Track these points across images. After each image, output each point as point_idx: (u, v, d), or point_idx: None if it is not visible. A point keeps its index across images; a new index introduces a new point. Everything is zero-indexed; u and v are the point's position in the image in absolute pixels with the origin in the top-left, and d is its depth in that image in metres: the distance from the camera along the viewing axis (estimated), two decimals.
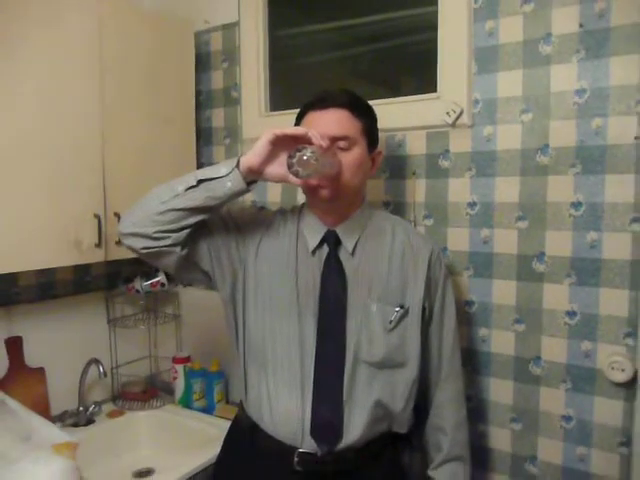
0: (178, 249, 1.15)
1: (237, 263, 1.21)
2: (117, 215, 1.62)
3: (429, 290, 1.21)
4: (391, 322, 1.16)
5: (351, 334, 1.15)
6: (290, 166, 1.04)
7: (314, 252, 1.19)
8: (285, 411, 1.16)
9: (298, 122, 1.19)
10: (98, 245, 1.58)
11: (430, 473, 1.27)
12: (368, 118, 1.18)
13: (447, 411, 1.26)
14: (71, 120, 1.50)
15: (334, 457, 1.14)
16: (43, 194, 1.45)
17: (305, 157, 1.02)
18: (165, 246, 1.13)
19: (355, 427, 1.14)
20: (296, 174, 1.04)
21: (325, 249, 1.19)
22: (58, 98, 1.46)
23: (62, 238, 1.50)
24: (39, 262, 1.49)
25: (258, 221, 1.25)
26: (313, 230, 1.21)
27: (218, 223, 1.21)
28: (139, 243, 1.14)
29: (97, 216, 1.57)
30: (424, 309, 1.20)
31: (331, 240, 1.19)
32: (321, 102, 1.14)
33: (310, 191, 1.16)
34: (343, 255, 1.19)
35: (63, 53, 1.47)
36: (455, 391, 1.28)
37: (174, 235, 1.12)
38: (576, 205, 1.33)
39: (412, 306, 1.18)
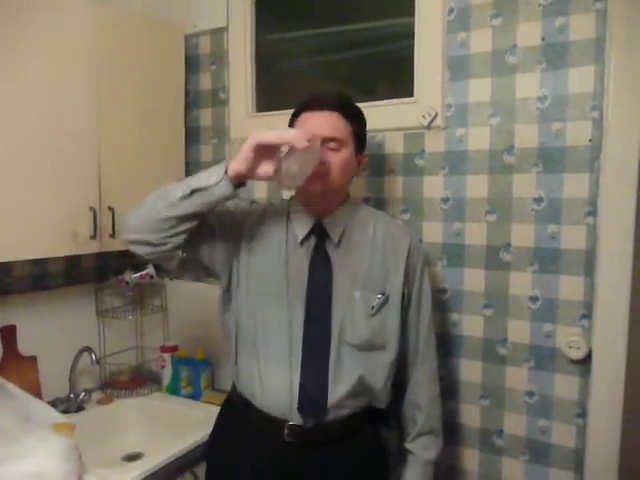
0: (179, 252, 1.24)
1: (232, 255, 1.31)
2: (111, 209, 1.70)
3: (408, 278, 1.31)
4: (373, 308, 1.27)
5: (336, 319, 1.26)
6: (278, 182, 1.16)
7: (302, 243, 1.29)
8: (275, 389, 1.27)
9: (293, 120, 1.29)
10: (93, 237, 1.66)
11: (406, 445, 1.38)
12: (358, 122, 1.29)
13: (422, 389, 1.38)
14: (68, 117, 1.58)
15: (320, 429, 1.26)
16: (42, 188, 1.53)
17: (289, 171, 1.11)
18: (166, 251, 1.23)
19: (339, 401, 1.25)
20: (287, 187, 1.18)
21: (313, 240, 1.29)
22: (56, 96, 1.54)
23: (60, 230, 1.58)
24: (38, 252, 1.57)
25: (249, 214, 1.35)
26: (301, 223, 1.30)
27: (213, 222, 1.29)
28: (142, 249, 1.24)
29: (92, 209, 1.65)
30: (403, 296, 1.31)
31: (318, 232, 1.29)
32: (315, 103, 1.24)
33: (306, 186, 1.25)
34: (329, 246, 1.29)
35: (60, 54, 1.55)
36: (430, 371, 1.39)
37: (173, 240, 1.21)
38: (538, 200, 1.47)
39: (392, 293, 1.29)
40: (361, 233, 1.31)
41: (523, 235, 1.49)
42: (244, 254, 1.31)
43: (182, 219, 1.19)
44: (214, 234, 1.29)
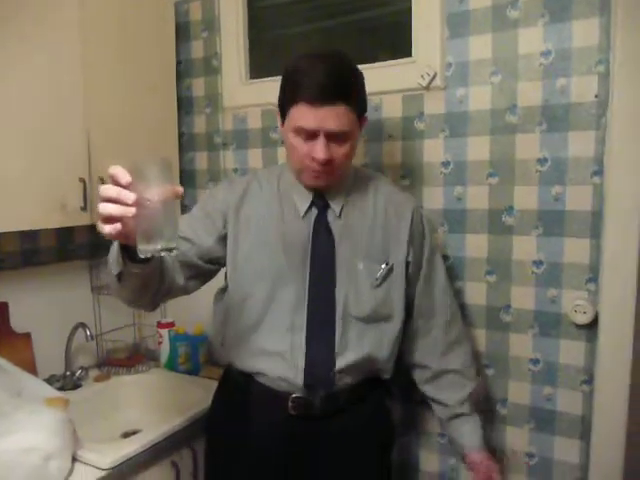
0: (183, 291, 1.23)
1: (224, 247, 1.26)
2: (102, 180, 1.65)
3: (412, 245, 1.27)
4: (377, 279, 1.23)
5: (340, 291, 1.21)
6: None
7: (304, 215, 1.24)
8: (279, 363, 1.22)
9: (286, 109, 1.14)
10: (84, 208, 1.61)
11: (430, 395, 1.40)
12: (361, 98, 1.17)
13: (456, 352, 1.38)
14: (55, 86, 1.52)
15: (325, 400, 1.22)
16: (25, 156, 1.47)
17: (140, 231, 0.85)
18: (174, 294, 1.21)
19: (344, 371, 1.22)
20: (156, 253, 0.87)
21: (314, 212, 1.24)
22: (42, 64, 1.48)
23: (48, 200, 1.53)
24: (25, 223, 1.51)
25: (231, 196, 1.27)
26: (301, 195, 1.24)
27: (195, 240, 1.22)
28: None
29: (82, 180, 1.60)
30: (408, 264, 1.27)
31: (320, 204, 1.24)
32: (316, 95, 1.07)
33: (303, 178, 1.20)
34: (330, 217, 1.24)
35: (46, 22, 1.49)
36: (460, 332, 1.40)
37: (172, 294, 1.20)
38: (542, 161, 1.41)
39: (396, 263, 1.25)
40: (362, 202, 1.27)
41: (526, 198, 1.44)
42: (236, 241, 1.25)
43: (144, 288, 1.06)
44: (206, 247, 1.23)
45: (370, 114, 1.60)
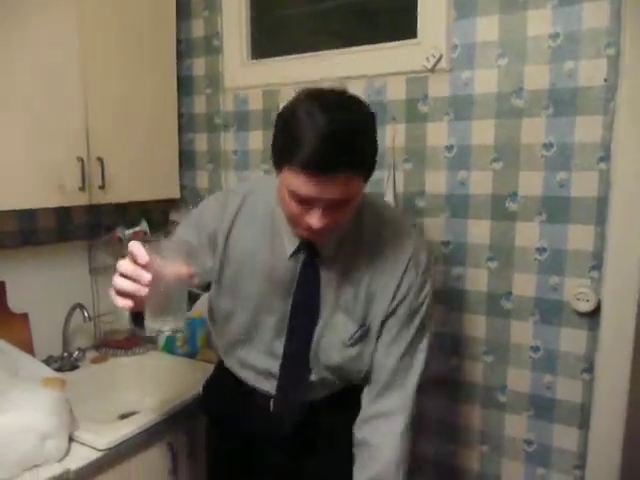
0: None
1: (212, 269, 1.17)
2: (100, 160, 1.63)
3: (394, 299, 1.10)
4: (351, 339, 1.11)
5: (316, 336, 1.13)
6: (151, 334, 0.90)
7: (290, 257, 1.10)
8: (257, 380, 1.21)
9: (278, 163, 0.93)
10: (82, 188, 1.59)
11: None
12: (372, 159, 0.94)
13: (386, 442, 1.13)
14: (52, 64, 1.50)
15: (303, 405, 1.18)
16: (23, 135, 1.45)
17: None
18: None
19: (316, 400, 1.19)
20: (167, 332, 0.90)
21: (302, 255, 1.09)
22: (39, 43, 1.46)
23: (46, 180, 1.51)
24: (22, 202, 1.50)
25: (220, 223, 1.13)
26: (290, 236, 1.09)
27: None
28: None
29: (80, 159, 1.58)
30: (384, 320, 1.12)
31: (308, 249, 1.09)
32: (313, 166, 0.86)
33: (296, 231, 1.03)
34: (320, 259, 1.10)
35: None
36: (401, 423, 1.12)
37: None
38: (548, 146, 1.39)
39: (373, 322, 1.11)
40: (357, 248, 1.10)
41: (531, 183, 1.42)
42: (222, 266, 1.15)
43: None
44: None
45: (373, 96, 1.58)
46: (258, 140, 1.83)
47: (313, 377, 1.15)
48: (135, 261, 0.84)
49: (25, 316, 1.77)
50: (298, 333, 1.13)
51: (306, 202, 0.91)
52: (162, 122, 1.87)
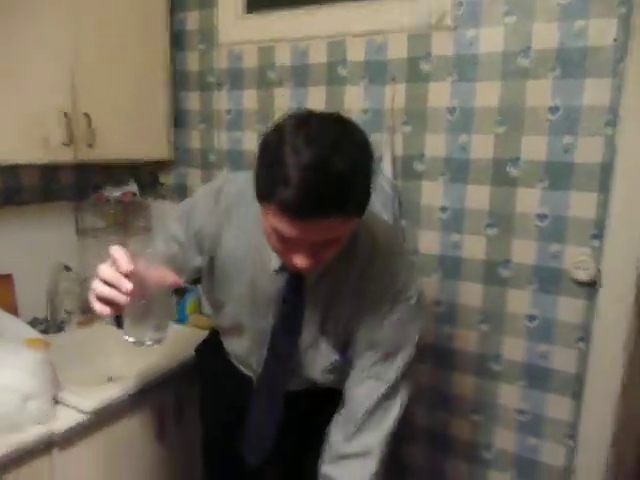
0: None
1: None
2: (87, 115, 1.57)
3: (376, 336, 1.02)
4: (330, 364, 1.07)
5: (297, 355, 1.08)
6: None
7: (275, 273, 1.01)
8: (241, 365, 1.20)
9: (260, 196, 0.81)
10: (67, 144, 1.53)
11: None
12: (365, 197, 0.81)
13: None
14: (36, 15, 1.42)
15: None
16: (6, 87, 1.38)
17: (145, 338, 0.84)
18: None
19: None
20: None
21: (286, 275, 1.01)
22: None
23: (29, 134, 1.45)
24: (4, 157, 1.43)
25: (210, 226, 1.06)
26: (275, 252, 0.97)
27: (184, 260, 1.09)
28: None
29: (66, 114, 1.51)
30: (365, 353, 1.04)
31: (293, 274, 0.99)
32: (296, 210, 0.75)
33: (283, 260, 0.93)
34: (303, 286, 1.02)
35: None
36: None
37: None
38: (553, 109, 1.34)
39: (354, 356, 1.05)
40: (347, 271, 1.00)
41: (534, 148, 1.37)
42: (210, 266, 1.10)
43: None
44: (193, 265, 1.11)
45: (373, 54, 1.52)
46: (252, 99, 1.76)
47: (291, 385, 1.11)
48: (117, 268, 0.80)
49: (9, 277, 1.71)
50: (278, 357, 1.08)
51: (289, 241, 0.82)
52: (153, 79, 1.80)
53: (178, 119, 1.92)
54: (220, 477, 1.34)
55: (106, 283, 0.81)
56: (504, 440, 1.54)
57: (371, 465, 1.03)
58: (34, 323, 1.74)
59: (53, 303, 1.79)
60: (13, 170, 1.69)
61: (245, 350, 1.16)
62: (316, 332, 1.04)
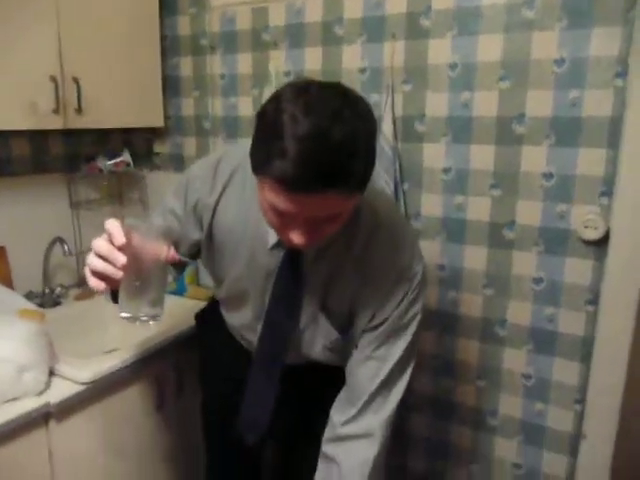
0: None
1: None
2: (76, 80, 1.51)
3: (375, 316, 0.98)
4: (332, 343, 1.05)
5: (296, 333, 1.06)
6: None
7: (272, 249, 0.98)
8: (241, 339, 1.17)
9: (256, 168, 0.77)
10: (56, 111, 1.47)
11: None
12: (367, 170, 0.76)
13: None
14: None
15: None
16: None
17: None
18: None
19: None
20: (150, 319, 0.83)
21: (283, 250, 0.97)
22: None
23: (15, 99, 1.39)
24: None
25: (208, 197, 1.03)
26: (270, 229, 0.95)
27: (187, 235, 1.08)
28: None
29: (54, 79, 1.46)
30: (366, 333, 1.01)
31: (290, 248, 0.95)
32: (292, 184, 0.71)
33: (281, 238, 0.89)
34: (304, 257, 0.98)
35: None
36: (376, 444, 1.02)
37: None
38: (559, 62, 1.28)
39: (355, 335, 1.02)
40: (346, 251, 0.96)
41: (540, 103, 1.32)
42: (207, 240, 1.08)
43: None
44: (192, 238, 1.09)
45: (370, 10, 1.46)
46: (247, 63, 1.70)
47: (291, 360, 1.08)
48: (111, 242, 0.78)
49: (2, 249, 1.68)
50: (274, 334, 1.05)
51: (286, 216, 0.78)
52: (143, 43, 1.74)
53: (170, 86, 1.86)
54: (220, 444, 1.32)
55: (101, 257, 0.79)
56: (510, 406, 1.51)
57: (372, 447, 1.00)
58: (30, 296, 1.70)
59: (48, 276, 1.76)
60: (2, 140, 1.64)
61: (244, 324, 1.13)
62: (316, 309, 1.01)
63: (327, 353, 1.06)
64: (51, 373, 1.28)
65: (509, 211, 1.40)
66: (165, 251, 0.81)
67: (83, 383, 1.27)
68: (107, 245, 0.78)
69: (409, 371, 1.02)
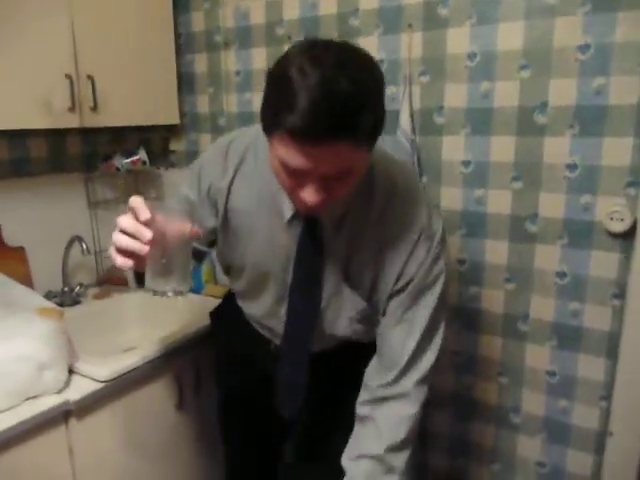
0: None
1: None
2: (90, 78, 1.51)
3: (400, 277, 0.97)
4: (358, 313, 1.03)
5: (321, 309, 1.04)
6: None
7: (289, 222, 0.98)
8: (262, 330, 1.16)
9: (268, 129, 0.79)
10: (72, 109, 1.48)
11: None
12: (377, 122, 0.77)
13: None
14: None
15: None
16: (4, 49, 1.33)
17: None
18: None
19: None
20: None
21: (301, 222, 0.97)
22: None
23: (31, 98, 1.40)
24: (4, 122, 1.38)
25: (220, 180, 1.03)
26: (287, 200, 0.95)
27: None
28: None
29: (69, 77, 1.46)
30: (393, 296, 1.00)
31: (308, 218, 0.96)
32: (304, 133, 0.71)
33: (293, 201, 0.90)
34: (320, 231, 0.98)
35: None
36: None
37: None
38: (584, 48, 1.24)
39: (381, 300, 1.01)
40: (364, 218, 0.96)
41: (563, 92, 1.28)
42: (224, 224, 1.07)
43: None
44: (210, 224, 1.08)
45: (386, 1, 1.43)
46: (262, 58, 1.69)
47: (317, 346, 1.07)
48: (136, 217, 0.79)
49: (21, 249, 1.69)
50: (299, 314, 1.04)
51: (298, 175, 0.78)
52: (157, 40, 1.73)
53: (185, 83, 1.86)
54: (238, 443, 1.31)
55: (126, 234, 0.79)
56: (533, 403, 1.48)
57: (410, 405, 1.00)
58: (49, 296, 1.71)
59: (67, 275, 1.77)
60: (20, 140, 1.65)
61: (266, 311, 1.11)
62: (339, 280, 1.00)
63: (354, 326, 1.05)
64: (70, 371, 1.29)
65: (531, 204, 1.37)
66: (189, 227, 0.83)
67: (102, 381, 1.28)
68: (133, 221, 0.79)
69: (441, 329, 1.01)
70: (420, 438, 1.63)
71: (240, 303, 1.20)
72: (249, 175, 1.00)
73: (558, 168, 1.32)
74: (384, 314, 1.00)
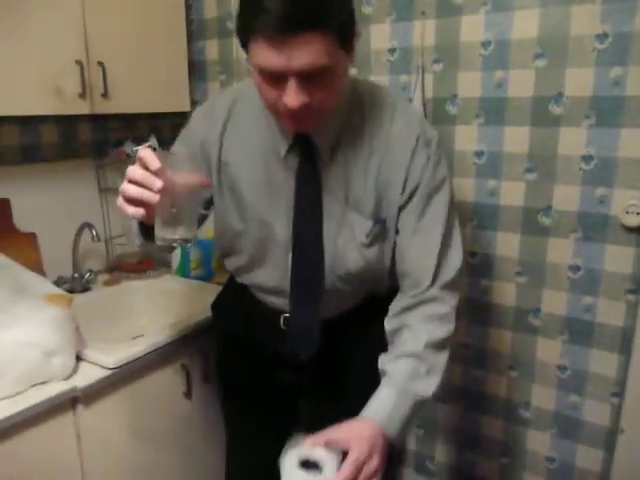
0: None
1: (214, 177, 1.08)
2: (101, 64, 1.50)
3: (405, 189, 0.98)
4: (368, 236, 1.01)
5: (328, 244, 1.03)
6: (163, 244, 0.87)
7: (285, 157, 0.99)
8: (270, 299, 1.14)
9: (244, 41, 0.83)
10: (82, 95, 1.47)
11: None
12: (345, 14, 0.81)
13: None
14: None
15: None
16: (15, 35, 1.32)
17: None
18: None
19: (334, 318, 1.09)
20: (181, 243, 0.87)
21: (297, 156, 0.99)
22: None
23: (42, 84, 1.39)
24: (15, 108, 1.38)
25: (210, 133, 1.04)
26: (281, 134, 0.98)
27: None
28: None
29: (79, 63, 1.45)
30: (400, 209, 1.01)
31: (303, 146, 0.98)
32: (274, 28, 0.76)
33: (281, 123, 0.93)
34: (317, 161, 0.99)
35: None
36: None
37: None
38: (601, 37, 1.21)
39: (389, 216, 1.00)
40: (360, 138, 0.98)
41: (579, 82, 1.25)
42: (219, 180, 1.07)
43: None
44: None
45: None
46: None
47: (329, 289, 1.05)
48: (146, 167, 0.79)
49: (33, 235, 1.70)
50: (304, 244, 1.03)
51: (277, 79, 0.81)
52: (169, 27, 1.72)
53: (197, 70, 1.85)
54: (241, 437, 1.31)
55: (135, 184, 0.80)
56: (543, 398, 1.46)
57: (443, 307, 0.98)
58: (59, 282, 1.72)
59: (77, 262, 1.77)
60: (32, 126, 1.65)
61: (273, 272, 1.09)
62: (343, 206, 1.00)
63: (364, 252, 1.02)
64: (78, 358, 1.29)
65: (545, 196, 1.34)
66: (198, 176, 0.84)
67: (110, 368, 1.28)
68: (142, 171, 0.79)
69: (458, 231, 1.01)
70: (429, 431, 1.63)
71: (245, 280, 1.17)
72: (240, 124, 1.02)
73: (573, 160, 1.29)
74: (398, 232, 1.00)
